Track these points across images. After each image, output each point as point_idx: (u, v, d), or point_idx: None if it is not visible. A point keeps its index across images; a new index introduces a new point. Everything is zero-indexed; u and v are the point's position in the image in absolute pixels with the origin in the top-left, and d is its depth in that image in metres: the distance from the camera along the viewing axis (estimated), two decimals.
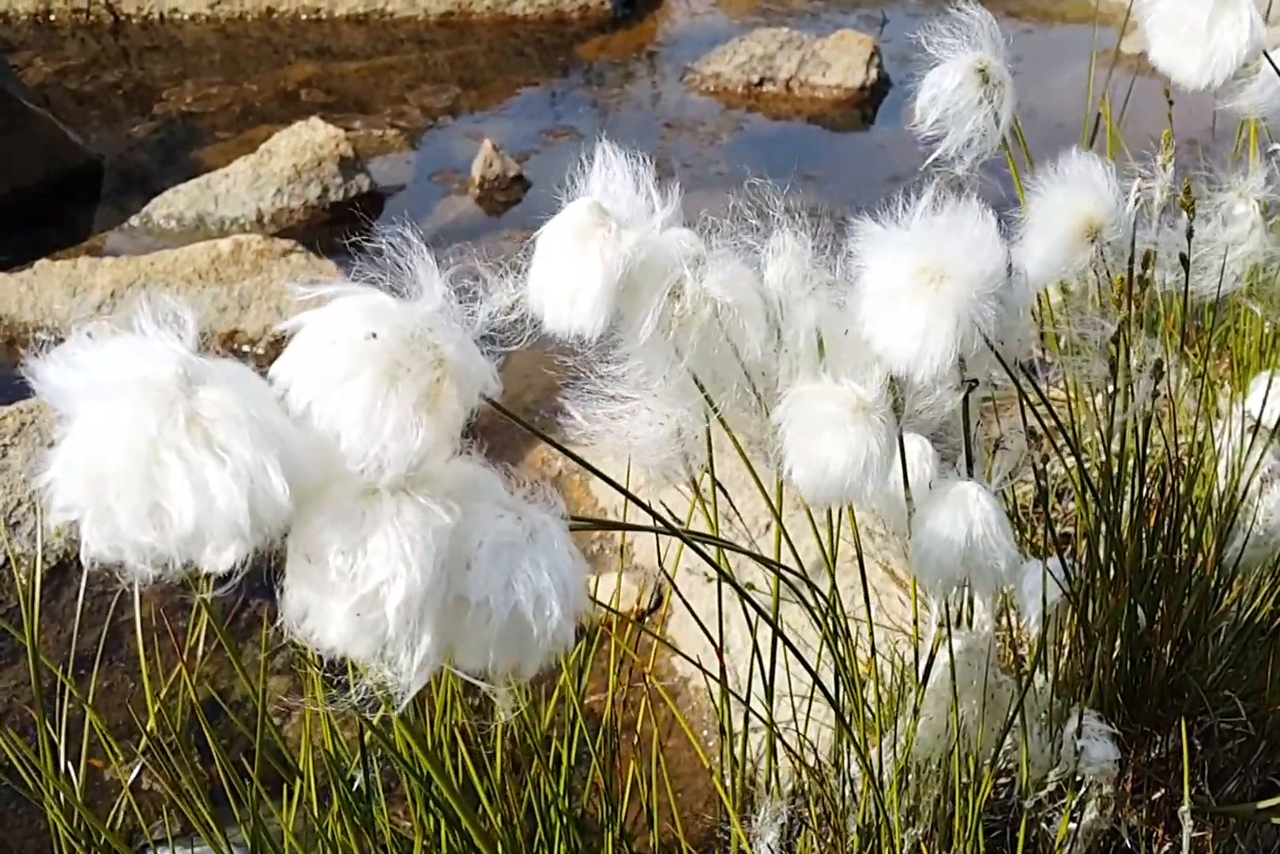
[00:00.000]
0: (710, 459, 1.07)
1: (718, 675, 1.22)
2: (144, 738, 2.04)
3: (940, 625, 1.12)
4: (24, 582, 2.30)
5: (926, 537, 0.97)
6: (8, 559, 2.32)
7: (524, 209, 4.10)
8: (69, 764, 1.90)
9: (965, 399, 0.98)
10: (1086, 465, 1.40)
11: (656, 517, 0.85)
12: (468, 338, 0.69)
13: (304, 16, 5.72)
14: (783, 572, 1.11)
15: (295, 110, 4.92)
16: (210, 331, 3.25)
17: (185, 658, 2.04)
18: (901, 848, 1.22)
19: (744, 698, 1.20)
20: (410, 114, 4.92)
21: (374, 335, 0.67)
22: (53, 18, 5.75)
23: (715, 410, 0.97)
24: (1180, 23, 1.16)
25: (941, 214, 0.92)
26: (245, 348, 3.23)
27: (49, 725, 1.86)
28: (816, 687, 1.13)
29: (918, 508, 0.99)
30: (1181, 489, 1.30)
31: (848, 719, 1.22)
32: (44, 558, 2.28)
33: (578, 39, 5.43)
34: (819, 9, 5.70)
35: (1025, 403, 1.03)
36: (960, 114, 1.12)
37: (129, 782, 1.96)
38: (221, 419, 0.62)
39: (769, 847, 0.99)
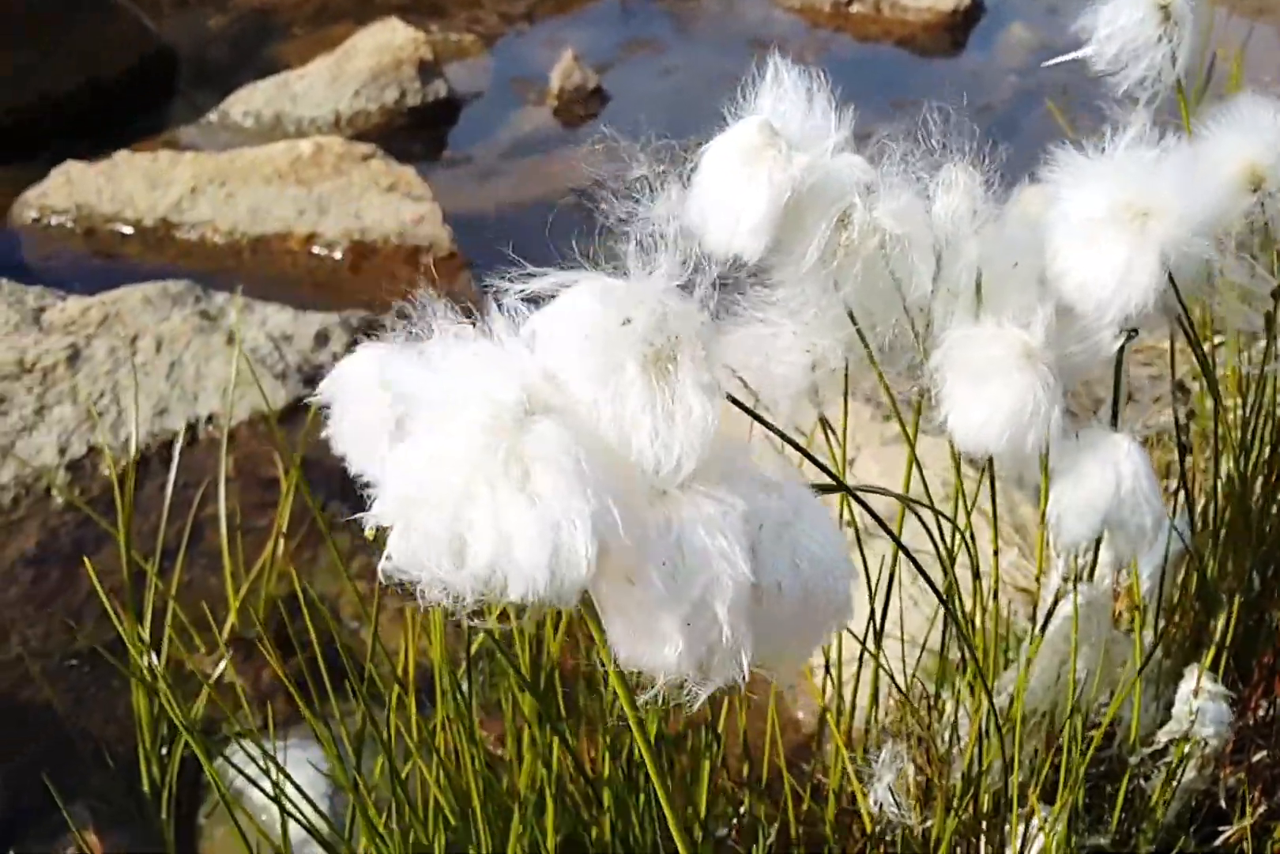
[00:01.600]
0: (845, 387, 1.04)
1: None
2: (227, 630, 2.08)
3: (1065, 579, 1.10)
4: (106, 472, 2.32)
5: (1069, 489, 0.95)
6: (91, 449, 2.34)
7: (602, 122, 4.03)
8: (152, 653, 1.93)
9: (1122, 348, 0.96)
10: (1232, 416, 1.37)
11: (821, 467, 0.84)
12: (695, 309, 0.64)
13: None
14: (898, 494, 1.09)
15: (371, 10, 4.83)
16: (288, 233, 3.24)
17: (269, 556, 2.06)
18: (1000, 797, 1.22)
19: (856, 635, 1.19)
20: (487, 19, 4.83)
21: (629, 321, 0.62)
22: None
23: (867, 347, 0.95)
24: None
25: (1143, 149, 0.89)
26: (322, 252, 3.21)
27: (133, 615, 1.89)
28: (942, 606, 1.12)
29: (1059, 458, 0.97)
30: None
31: (955, 664, 1.21)
32: (127, 450, 2.30)
33: None
34: None
35: (1177, 353, 1.00)
36: (1138, 50, 1.08)
37: (214, 675, 2.00)
38: (543, 461, 0.56)
39: (889, 788, 0.99)
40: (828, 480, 1.58)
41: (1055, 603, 1.14)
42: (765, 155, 0.87)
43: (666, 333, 0.62)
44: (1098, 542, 1.14)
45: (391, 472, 0.60)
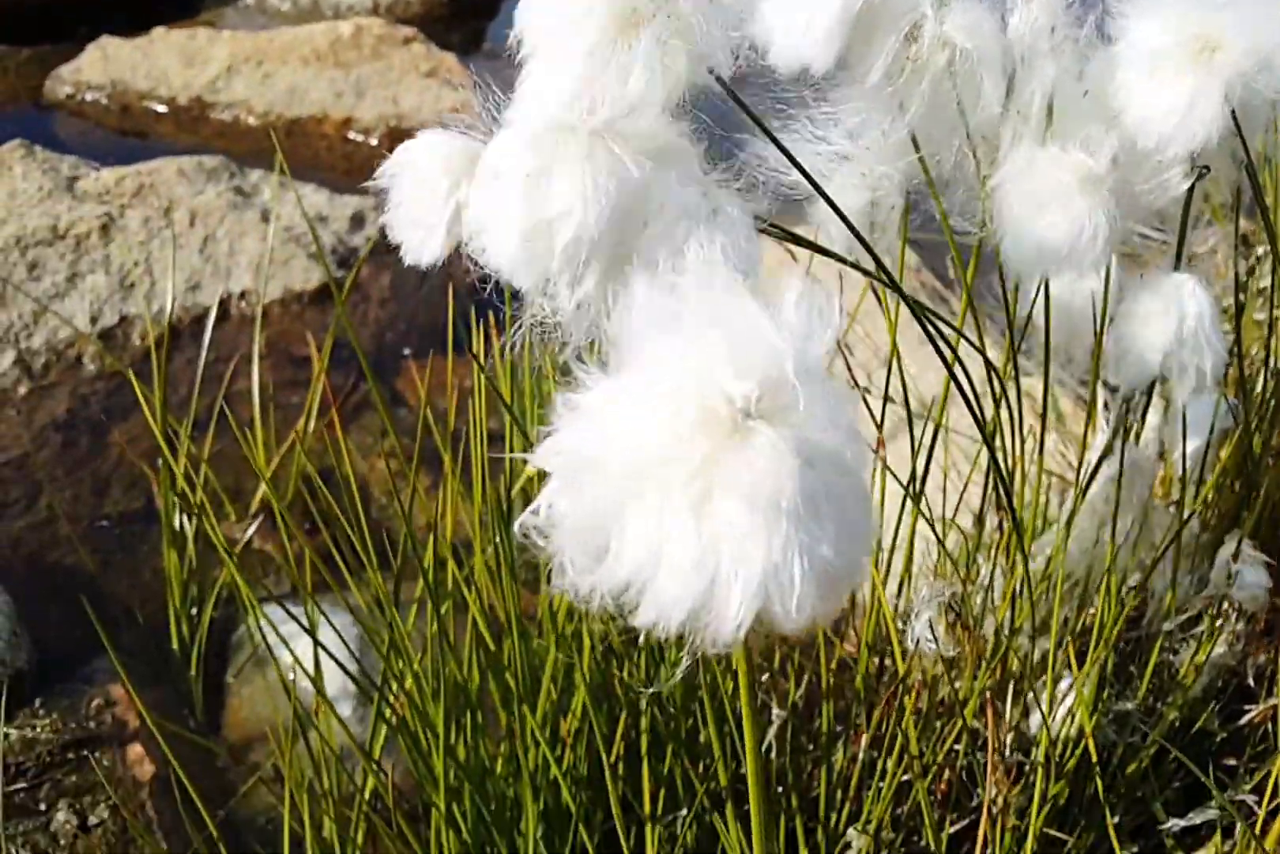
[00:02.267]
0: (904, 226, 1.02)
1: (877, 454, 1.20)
2: (255, 502, 2.08)
3: (1114, 432, 1.09)
4: (137, 342, 2.32)
5: (1131, 329, 0.93)
6: (123, 318, 2.33)
7: None
8: (183, 517, 1.94)
9: (1191, 188, 0.93)
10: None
11: (877, 261, 0.82)
12: (707, 3, 0.66)
13: None
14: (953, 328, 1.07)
15: None
16: (324, 117, 3.20)
17: (299, 430, 2.06)
18: (1031, 657, 1.22)
19: (905, 484, 1.18)
20: None
21: None
22: None
23: (927, 175, 0.92)
24: None
25: None
26: (359, 137, 3.17)
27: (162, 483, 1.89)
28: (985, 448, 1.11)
29: (1125, 299, 0.95)
30: None
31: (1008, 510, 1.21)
32: (158, 321, 2.29)
33: None
34: None
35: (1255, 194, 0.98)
36: None
37: (243, 540, 2.01)
38: (739, 488, 0.45)
39: (929, 622, 0.99)
40: (862, 376, 1.55)
41: (1100, 462, 1.12)
42: None
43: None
44: (1147, 401, 1.12)
45: (583, 421, 0.49)
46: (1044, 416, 1.06)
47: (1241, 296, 1.06)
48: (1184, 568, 1.26)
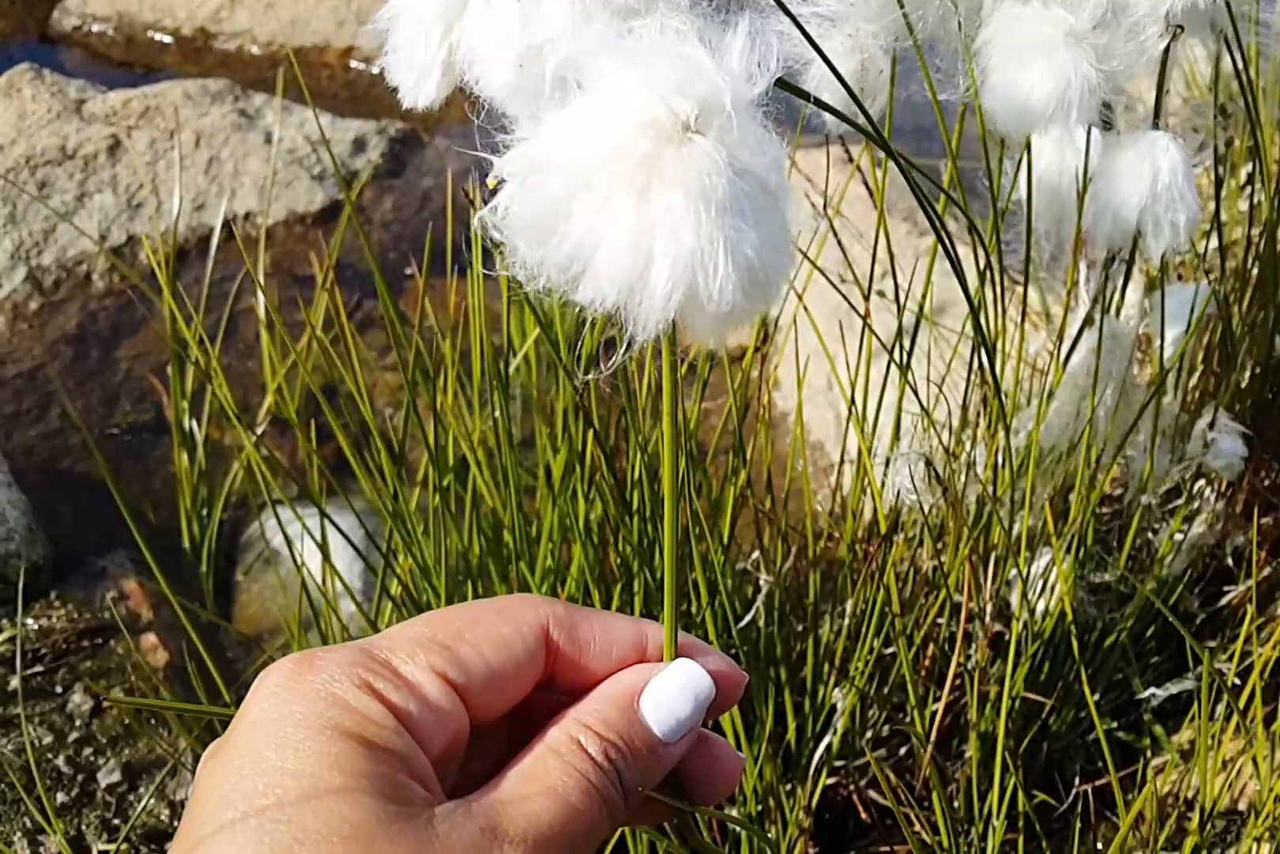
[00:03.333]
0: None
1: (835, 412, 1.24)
2: (263, 410, 2.12)
3: (1094, 301, 1.12)
4: (145, 261, 2.35)
5: (1107, 185, 0.96)
6: (130, 237, 2.37)
7: None
8: (193, 424, 1.98)
9: (1167, 49, 0.96)
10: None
11: (870, 123, 0.85)
12: None
13: None
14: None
15: None
16: (326, 46, 3.21)
17: (302, 345, 2.09)
18: (1010, 532, 1.26)
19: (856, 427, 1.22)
20: None
21: None
22: None
23: (913, 35, 0.95)
24: None
25: None
26: (360, 65, 3.19)
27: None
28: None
29: (1101, 157, 0.98)
30: None
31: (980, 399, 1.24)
32: (165, 240, 2.32)
33: None
34: None
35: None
36: None
37: (250, 443, 2.05)
38: (679, 178, 0.51)
39: (910, 475, 1.03)
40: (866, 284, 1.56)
41: (1080, 333, 1.16)
42: None
43: None
44: (1128, 272, 1.16)
45: (541, 133, 0.55)
46: (1025, 282, 1.09)
47: (1221, 169, 1.09)
48: (1163, 444, 1.30)
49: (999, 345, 1.18)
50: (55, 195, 2.37)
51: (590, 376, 0.55)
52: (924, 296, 1.23)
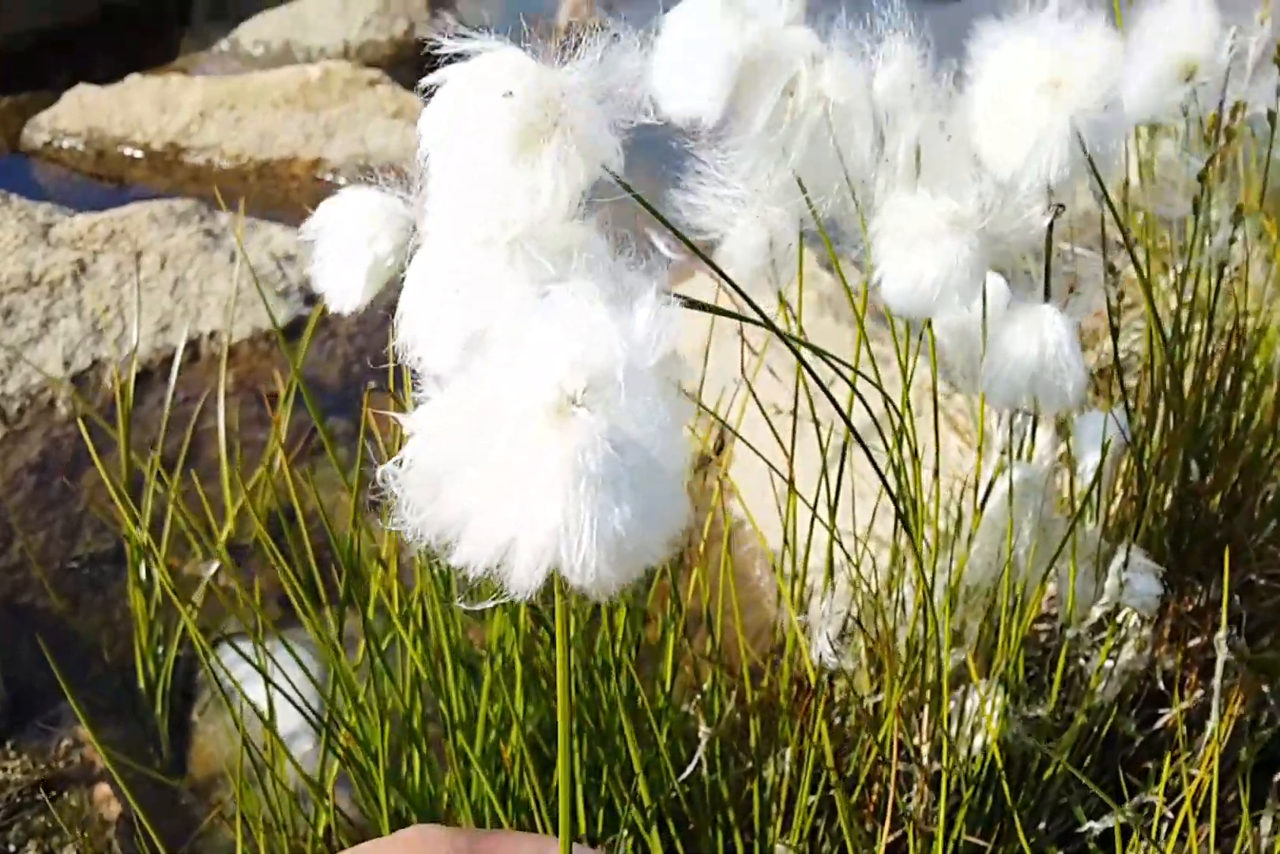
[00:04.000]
0: (800, 260, 1.09)
1: (778, 525, 1.27)
2: (224, 537, 2.14)
3: (1003, 451, 1.16)
4: (109, 385, 2.38)
5: (999, 355, 1.00)
6: (95, 361, 2.40)
7: (605, 67, 4.05)
8: (150, 558, 2.00)
9: (1050, 224, 1.00)
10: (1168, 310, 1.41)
11: (759, 311, 0.89)
12: (599, 111, 0.71)
13: None
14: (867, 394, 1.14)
15: None
16: (294, 158, 3.28)
17: (267, 467, 2.12)
18: (944, 667, 1.28)
19: (802, 542, 1.25)
20: None
21: (510, 94, 0.69)
22: None
23: (815, 215, 0.99)
24: None
25: (1066, 23, 0.93)
26: (328, 176, 3.25)
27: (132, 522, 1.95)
28: (882, 485, 1.17)
29: (994, 328, 1.02)
30: (1245, 352, 1.32)
31: (905, 542, 1.27)
32: (129, 364, 2.36)
33: None
34: None
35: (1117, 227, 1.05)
36: None
37: (206, 577, 2.07)
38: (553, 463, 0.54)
39: (828, 638, 1.05)
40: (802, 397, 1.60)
41: (993, 480, 1.19)
42: (723, 23, 0.92)
43: (548, 116, 0.68)
44: (1034, 421, 1.19)
45: (445, 396, 0.61)
46: (936, 433, 1.13)
47: (1116, 320, 1.13)
48: (1088, 572, 1.32)
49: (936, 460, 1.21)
50: (21, 323, 2.41)
51: (485, 605, 0.58)
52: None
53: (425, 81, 0.73)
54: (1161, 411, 1.31)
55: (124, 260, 2.55)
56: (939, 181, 0.98)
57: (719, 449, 2.50)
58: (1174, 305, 1.23)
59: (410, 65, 3.97)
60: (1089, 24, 0.90)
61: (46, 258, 2.52)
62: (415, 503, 0.57)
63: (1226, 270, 1.26)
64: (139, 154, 3.34)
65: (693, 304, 0.86)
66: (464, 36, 0.72)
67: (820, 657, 1.08)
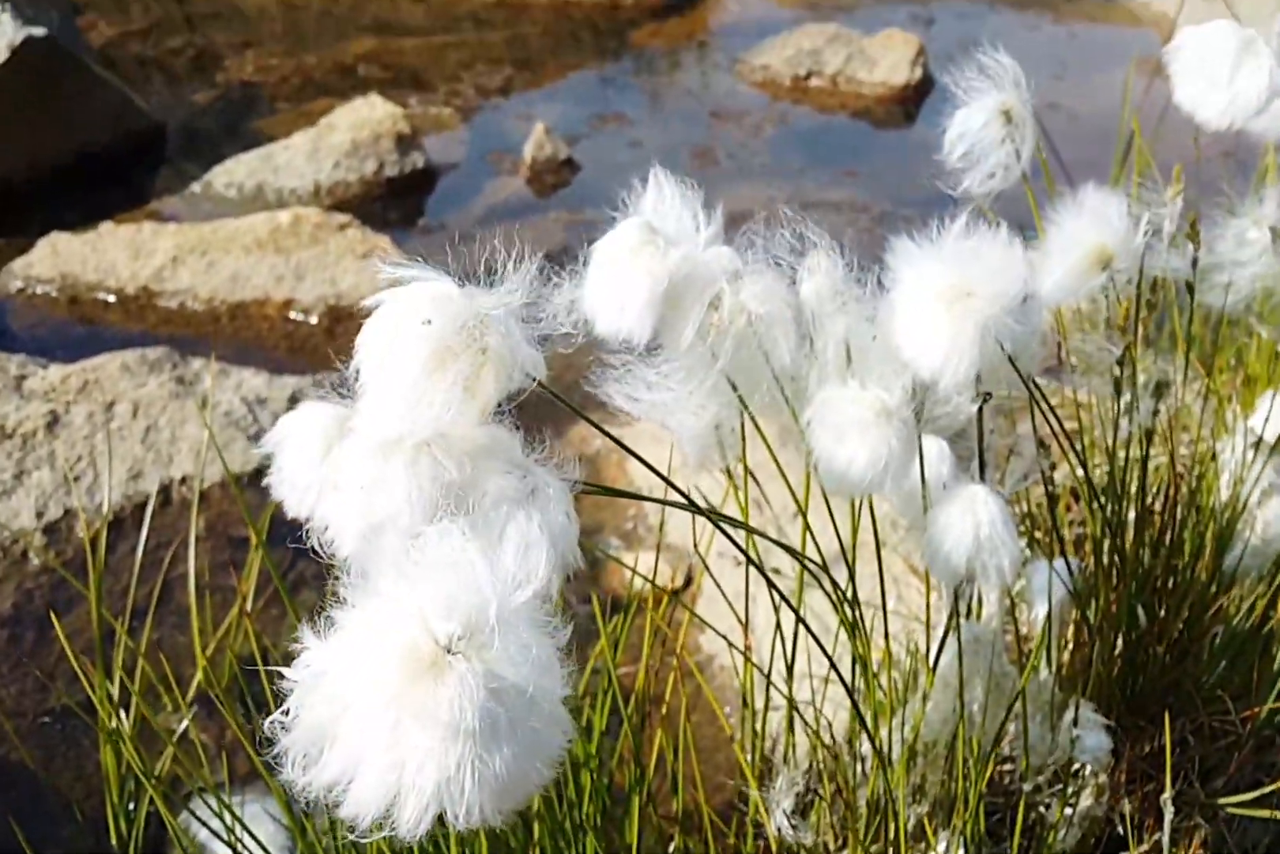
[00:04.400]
0: (744, 448, 1.16)
1: (742, 652, 1.31)
2: (192, 690, 2.16)
3: (951, 616, 1.20)
4: (81, 535, 2.42)
5: (937, 534, 1.06)
6: (67, 511, 2.44)
7: (572, 192, 4.18)
8: (120, 711, 2.01)
9: (980, 410, 1.07)
10: (1101, 470, 1.48)
11: (689, 499, 0.94)
12: (515, 330, 0.81)
13: None
14: (804, 560, 1.20)
15: (353, 84, 5.01)
16: (266, 299, 3.36)
17: (239, 612, 2.15)
18: (906, 823, 1.31)
19: (766, 676, 1.29)
20: (465, 92, 5.00)
21: (430, 322, 0.78)
22: None
23: (746, 409, 1.06)
24: (1204, 68, 1.24)
25: (971, 237, 1.01)
26: (299, 316, 3.33)
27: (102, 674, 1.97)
28: (833, 670, 1.22)
29: (932, 508, 1.08)
30: (1184, 499, 1.38)
31: (860, 701, 1.31)
32: (101, 512, 2.39)
33: (631, 25, 5.49)
34: (867, 4, 5.74)
35: (1037, 410, 1.12)
36: (985, 150, 1.22)
37: (177, 732, 2.08)
38: (426, 720, 0.59)
39: (785, 813, 1.08)
40: (773, 528, 1.65)
41: (944, 639, 1.24)
42: (645, 251, 0.99)
43: (464, 339, 0.78)
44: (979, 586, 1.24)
45: (322, 652, 0.64)
46: (883, 594, 1.17)
47: (1054, 487, 1.19)
48: (1044, 727, 1.37)
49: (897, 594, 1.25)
50: None
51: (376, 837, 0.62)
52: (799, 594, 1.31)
53: (365, 303, 0.81)
54: (1106, 561, 1.37)
55: (96, 410, 2.60)
56: (868, 373, 1.05)
57: (687, 583, 2.53)
58: (1109, 467, 1.30)
59: (380, 202, 4.09)
60: (994, 238, 0.98)
61: (20, 410, 2.56)
62: (302, 758, 0.61)
63: (1160, 422, 1.33)
64: (112, 298, 3.41)
65: (605, 490, 0.92)
66: (403, 265, 0.81)
67: (779, 830, 1.11)
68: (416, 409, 0.77)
